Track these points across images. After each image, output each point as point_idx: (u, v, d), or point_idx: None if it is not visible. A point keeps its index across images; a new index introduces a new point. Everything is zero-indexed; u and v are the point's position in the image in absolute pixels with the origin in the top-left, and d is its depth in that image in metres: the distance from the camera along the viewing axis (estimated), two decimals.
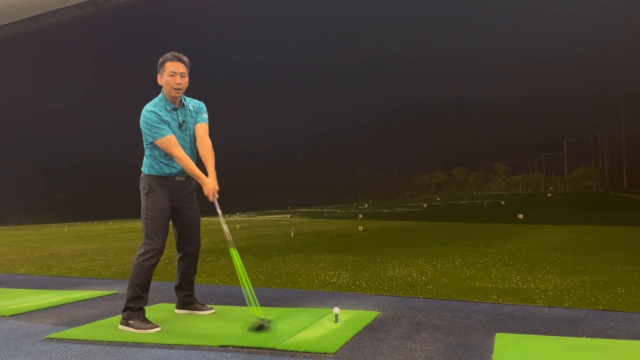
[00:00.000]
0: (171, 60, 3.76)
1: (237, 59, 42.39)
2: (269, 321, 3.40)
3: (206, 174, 3.76)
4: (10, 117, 33.52)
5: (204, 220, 4.18)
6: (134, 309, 3.66)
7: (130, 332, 3.59)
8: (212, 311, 4.14)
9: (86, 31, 31.64)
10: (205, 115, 3.98)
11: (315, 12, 45.40)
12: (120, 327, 3.69)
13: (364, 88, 56.13)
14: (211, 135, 4.01)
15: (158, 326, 3.65)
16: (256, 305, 3.52)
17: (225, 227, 3.75)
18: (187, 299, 4.16)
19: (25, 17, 26.48)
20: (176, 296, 4.19)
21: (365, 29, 50.51)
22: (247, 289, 3.54)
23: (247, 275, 3.65)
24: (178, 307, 4.19)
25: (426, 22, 50.58)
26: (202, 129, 3.92)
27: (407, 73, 56.12)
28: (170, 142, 3.70)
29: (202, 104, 4.02)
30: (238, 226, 15.47)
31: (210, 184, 3.71)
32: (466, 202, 32.62)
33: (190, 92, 4.01)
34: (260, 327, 3.38)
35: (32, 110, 34.46)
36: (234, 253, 3.66)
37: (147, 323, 3.64)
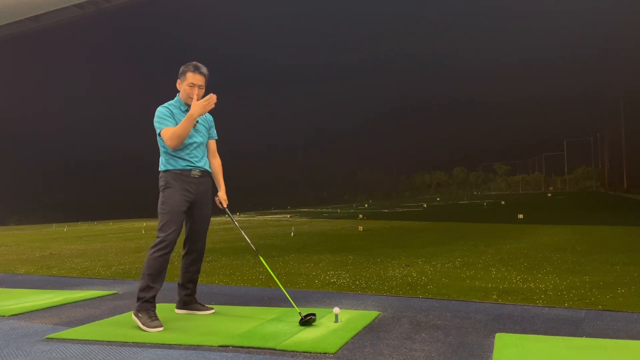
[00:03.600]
0: (192, 72, 3.96)
1: (238, 59, 42.42)
2: (313, 314, 3.60)
3: (217, 189, 4.16)
4: (10, 117, 33.54)
5: (212, 219, 4.26)
6: (144, 300, 3.72)
7: (130, 332, 3.60)
8: (212, 311, 4.15)
9: (86, 31, 31.64)
10: (214, 131, 4.28)
11: (316, 12, 45.46)
12: (133, 316, 3.80)
13: (364, 88, 56.19)
14: None
15: (162, 326, 3.66)
16: (294, 304, 3.83)
17: (246, 236, 4.21)
18: (187, 299, 4.17)
19: (26, 17, 26.50)
20: (178, 295, 4.20)
21: (366, 29, 50.58)
22: (283, 290, 4.03)
23: (277, 278, 4.06)
24: (178, 307, 4.20)
25: (427, 22, 50.64)
26: (214, 146, 4.26)
27: (407, 73, 56.21)
28: (170, 129, 3.83)
29: (211, 118, 4.27)
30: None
31: (198, 109, 3.80)
32: (466, 202, 32.60)
33: None
34: (307, 321, 3.54)
35: (32, 110, 34.47)
36: (263, 260, 4.11)
37: (153, 320, 3.67)
